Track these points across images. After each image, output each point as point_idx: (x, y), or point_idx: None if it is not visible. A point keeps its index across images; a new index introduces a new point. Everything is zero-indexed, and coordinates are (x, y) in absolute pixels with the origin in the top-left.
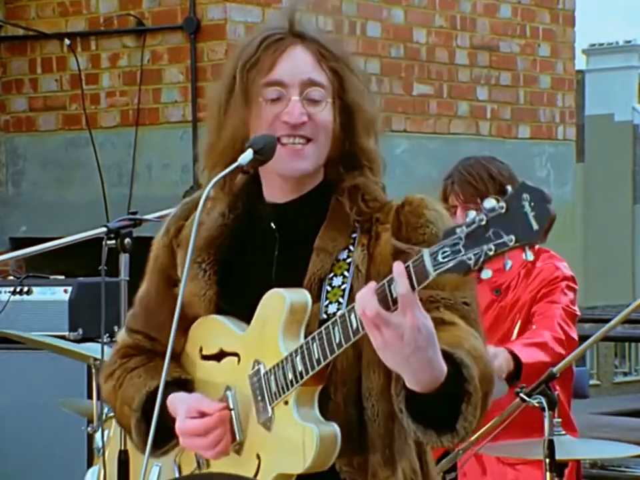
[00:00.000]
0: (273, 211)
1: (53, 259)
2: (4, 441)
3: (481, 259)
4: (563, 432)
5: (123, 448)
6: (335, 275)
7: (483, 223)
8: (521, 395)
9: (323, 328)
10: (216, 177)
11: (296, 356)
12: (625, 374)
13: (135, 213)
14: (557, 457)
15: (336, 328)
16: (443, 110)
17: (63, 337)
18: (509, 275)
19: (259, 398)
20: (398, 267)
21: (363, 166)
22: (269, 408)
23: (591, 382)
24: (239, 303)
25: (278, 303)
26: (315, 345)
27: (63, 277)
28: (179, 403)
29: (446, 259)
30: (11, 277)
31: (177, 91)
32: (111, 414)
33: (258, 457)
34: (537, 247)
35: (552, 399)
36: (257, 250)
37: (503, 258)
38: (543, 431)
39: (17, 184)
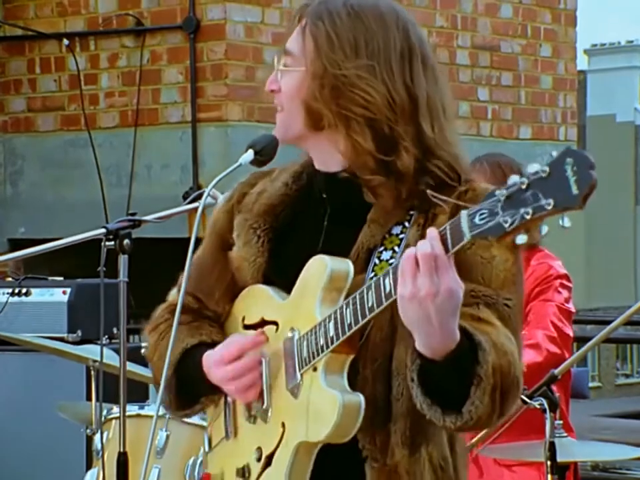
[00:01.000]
0: (324, 180)
1: (51, 260)
2: (3, 443)
3: (517, 222)
4: (564, 434)
5: (122, 450)
6: (385, 249)
7: (524, 185)
8: (522, 396)
9: (357, 293)
10: (216, 178)
11: (329, 321)
12: (627, 376)
13: (134, 214)
14: (558, 459)
15: (370, 292)
16: None
17: (61, 339)
18: None
19: (289, 364)
20: (432, 231)
21: (400, 146)
22: (298, 374)
23: (593, 384)
24: (285, 273)
25: (319, 268)
26: (348, 310)
27: (61, 279)
28: (213, 354)
29: (483, 221)
30: (10, 278)
31: (176, 91)
32: (110, 415)
33: (283, 425)
34: (539, 247)
35: (553, 401)
36: (309, 220)
37: (541, 222)
38: (540, 431)
39: (15, 184)
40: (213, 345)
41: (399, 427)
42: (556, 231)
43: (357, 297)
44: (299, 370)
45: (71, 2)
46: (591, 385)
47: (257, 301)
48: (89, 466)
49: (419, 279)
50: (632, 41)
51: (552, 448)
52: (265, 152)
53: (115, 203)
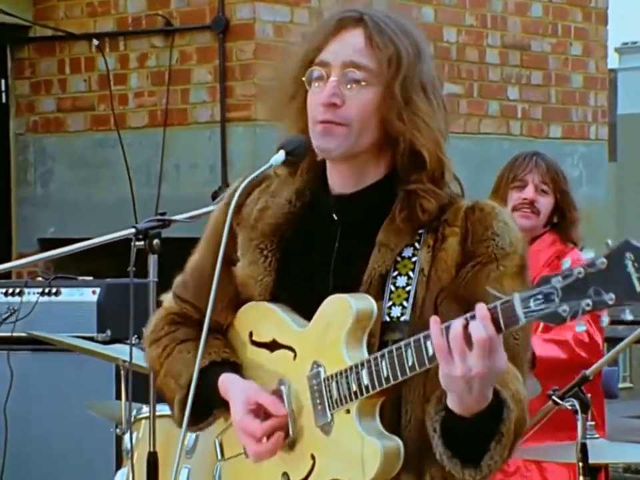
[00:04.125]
0: (336, 202)
1: (81, 259)
2: (33, 443)
3: (579, 313)
4: (596, 435)
5: (151, 450)
6: (400, 274)
7: (581, 276)
8: (554, 397)
9: (394, 348)
10: (244, 182)
11: (362, 369)
12: None
13: (163, 214)
14: (591, 461)
15: (409, 351)
16: (473, 109)
17: (91, 339)
18: (534, 270)
19: (318, 401)
20: (481, 309)
21: (424, 166)
22: (329, 413)
23: (624, 385)
24: (294, 293)
25: (343, 309)
26: (384, 362)
27: (91, 278)
28: (232, 385)
29: (538, 307)
30: (40, 278)
31: (205, 91)
32: (140, 415)
33: (312, 457)
34: (569, 246)
35: (585, 402)
36: (319, 241)
37: (599, 314)
38: (567, 430)
39: (45, 184)
40: (223, 363)
41: (407, 454)
42: (587, 229)
43: (394, 352)
44: (329, 410)
45: (100, 2)
46: (622, 385)
47: (267, 319)
48: (118, 466)
49: (469, 360)
50: None
51: (584, 449)
52: (295, 153)
53: (144, 202)
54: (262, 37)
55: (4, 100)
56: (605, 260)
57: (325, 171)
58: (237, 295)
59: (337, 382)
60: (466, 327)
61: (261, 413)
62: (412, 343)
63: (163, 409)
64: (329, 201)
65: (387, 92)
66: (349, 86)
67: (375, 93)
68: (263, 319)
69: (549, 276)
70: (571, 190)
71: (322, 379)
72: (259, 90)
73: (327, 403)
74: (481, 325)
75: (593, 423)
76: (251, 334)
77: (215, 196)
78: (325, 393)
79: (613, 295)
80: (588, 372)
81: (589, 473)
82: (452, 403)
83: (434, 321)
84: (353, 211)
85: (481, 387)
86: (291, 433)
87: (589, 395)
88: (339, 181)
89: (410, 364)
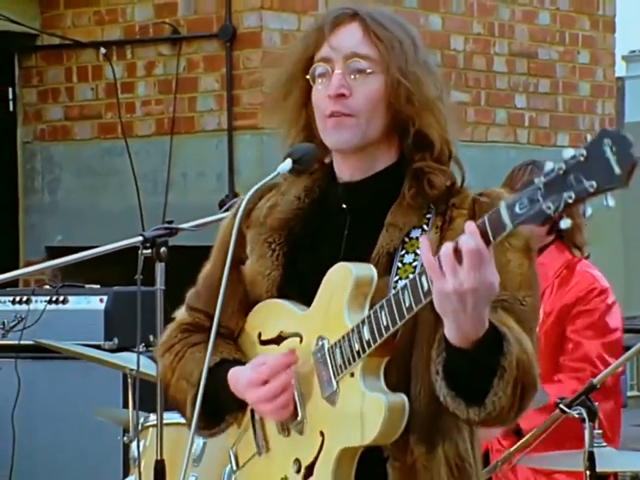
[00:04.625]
0: (345, 190)
1: (88, 267)
2: (40, 450)
3: (561, 206)
4: (604, 443)
5: (159, 458)
6: (407, 252)
7: (562, 171)
8: (561, 406)
9: (391, 295)
10: (254, 187)
11: (363, 326)
12: None
13: (171, 222)
14: (599, 469)
15: (406, 292)
16: (481, 118)
17: (98, 347)
18: (544, 282)
19: (323, 373)
20: (470, 224)
21: (430, 148)
22: (334, 382)
23: (632, 393)
24: (302, 286)
25: (344, 276)
26: (382, 312)
27: (98, 286)
28: (241, 372)
29: (523, 210)
30: (47, 286)
31: (213, 99)
32: (147, 423)
33: (322, 433)
34: (576, 258)
35: (592, 410)
36: (327, 232)
37: (582, 205)
38: (575, 441)
39: (52, 192)
40: (234, 362)
41: (417, 426)
42: (594, 237)
43: (392, 299)
44: (334, 377)
45: (108, 11)
46: (630, 394)
47: (273, 315)
48: (125, 473)
49: (460, 273)
50: None
51: (591, 458)
52: (303, 161)
53: (151, 210)
54: (269, 45)
55: (11, 108)
56: (584, 151)
57: (332, 163)
58: (246, 297)
59: (340, 347)
60: (456, 247)
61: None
62: (408, 284)
63: (171, 416)
64: (337, 191)
65: (393, 77)
66: (353, 76)
67: (380, 80)
68: (269, 316)
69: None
70: None
71: (326, 350)
72: (266, 98)
73: (331, 371)
74: (469, 237)
75: (600, 431)
76: (259, 334)
77: (222, 204)
78: (329, 362)
79: (593, 182)
80: (595, 380)
81: None
82: (449, 330)
83: (423, 239)
84: (362, 198)
85: (474, 303)
86: (299, 415)
87: (596, 404)
88: (348, 171)
89: (407, 305)
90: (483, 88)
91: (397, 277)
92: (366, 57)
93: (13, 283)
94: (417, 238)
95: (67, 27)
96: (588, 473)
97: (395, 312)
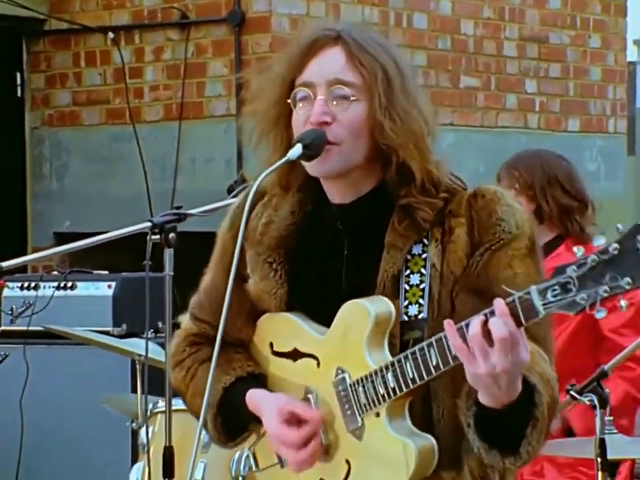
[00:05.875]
0: (339, 211)
1: (96, 253)
2: (48, 437)
3: (597, 300)
4: (615, 430)
5: (167, 444)
6: (412, 272)
7: (595, 264)
8: (572, 392)
9: (417, 349)
10: (265, 172)
11: (387, 372)
12: None
13: (179, 208)
14: (610, 456)
15: (432, 350)
16: (491, 103)
17: (106, 333)
18: None
19: (346, 407)
20: (499, 304)
21: (412, 178)
22: (359, 418)
23: None
24: (309, 302)
25: (361, 315)
26: (408, 364)
27: (106, 272)
28: (262, 400)
29: (556, 298)
30: (55, 272)
31: (221, 84)
32: (156, 409)
33: (347, 462)
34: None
35: (603, 397)
36: (326, 249)
37: (618, 299)
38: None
39: (60, 178)
40: (248, 378)
41: (443, 447)
42: (603, 223)
43: (418, 353)
44: (359, 414)
45: None
46: None
47: (286, 328)
48: (134, 460)
49: (491, 357)
50: None
51: (602, 445)
52: (312, 146)
53: (159, 196)
54: (278, 30)
55: (19, 93)
56: (617, 245)
57: (321, 183)
58: (253, 309)
59: (363, 386)
60: (485, 323)
61: (294, 422)
62: (434, 343)
63: (179, 403)
64: (331, 211)
65: (376, 107)
66: (335, 102)
67: (363, 107)
68: (281, 329)
69: (563, 265)
70: (558, 180)
71: (348, 385)
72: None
73: (355, 408)
74: (500, 321)
75: (611, 418)
76: (271, 344)
77: (230, 189)
78: (352, 398)
79: (629, 279)
80: (606, 367)
81: (608, 468)
82: (482, 397)
83: (447, 324)
84: (356, 218)
85: (508, 380)
86: (323, 439)
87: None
88: (337, 194)
89: (434, 364)
90: (493, 73)
91: (407, 302)
92: (349, 84)
93: (22, 269)
94: (419, 255)
95: (75, 12)
96: (599, 460)
97: (422, 368)
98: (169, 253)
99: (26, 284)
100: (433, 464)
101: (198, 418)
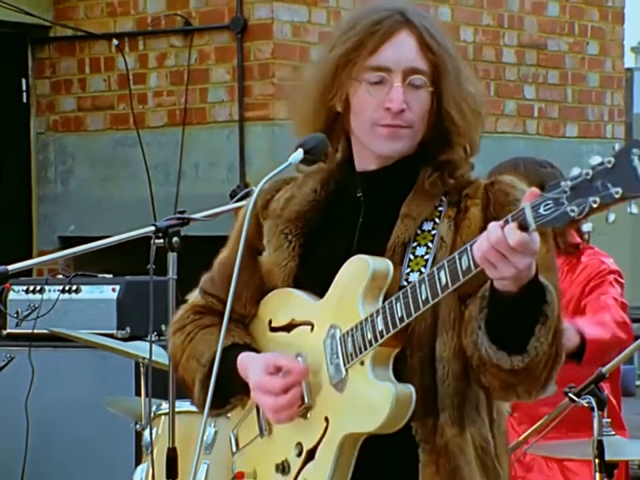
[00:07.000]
0: (362, 179)
1: (100, 257)
2: (53, 439)
3: (585, 210)
4: (612, 432)
5: (171, 445)
6: (419, 245)
7: (589, 176)
8: (570, 394)
9: (408, 287)
10: (265, 177)
11: (377, 316)
12: None
13: (183, 212)
14: (607, 458)
15: (423, 286)
16: (490, 108)
17: (110, 336)
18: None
19: (333, 359)
20: (494, 226)
21: (456, 143)
22: (343, 369)
23: None
24: (317, 276)
25: (360, 268)
26: (398, 304)
27: (111, 276)
28: (250, 361)
29: (548, 211)
30: (60, 276)
31: (224, 90)
32: (160, 411)
33: (326, 419)
34: (581, 245)
35: (601, 399)
36: (342, 221)
37: (606, 210)
38: (588, 430)
39: (65, 183)
40: (244, 346)
41: (447, 407)
42: (602, 228)
43: (409, 291)
44: (344, 365)
45: (120, 2)
46: (638, 383)
47: (285, 303)
48: (138, 461)
49: (510, 264)
50: None
51: (600, 446)
52: (314, 151)
53: (163, 201)
54: (280, 37)
55: (25, 99)
56: (612, 159)
57: (349, 154)
58: (261, 286)
59: (352, 335)
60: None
61: (278, 375)
62: (426, 278)
63: (183, 405)
64: (355, 179)
65: (447, 92)
66: (409, 90)
67: (429, 93)
68: (281, 304)
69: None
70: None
71: (337, 338)
72: (277, 89)
73: (342, 358)
74: (506, 232)
75: (609, 420)
76: (270, 322)
77: (233, 194)
78: (340, 349)
79: (619, 189)
80: (604, 369)
81: (606, 469)
82: (496, 283)
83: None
84: (378, 186)
85: (527, 272)
86: (306, 399)
87: (606, 393)
88: (368, 160)
89: (424, 298)
90: (492, 79)
91: (409, 269)
92: (423, 72)
93: (27, 272)
94: (429, 231)
95: (79, 19)
96: (597, 461)
97: (411, 304)
98: (172, 257)
99: (31, 287)
100: (408, 413)
101: (188, 382)
